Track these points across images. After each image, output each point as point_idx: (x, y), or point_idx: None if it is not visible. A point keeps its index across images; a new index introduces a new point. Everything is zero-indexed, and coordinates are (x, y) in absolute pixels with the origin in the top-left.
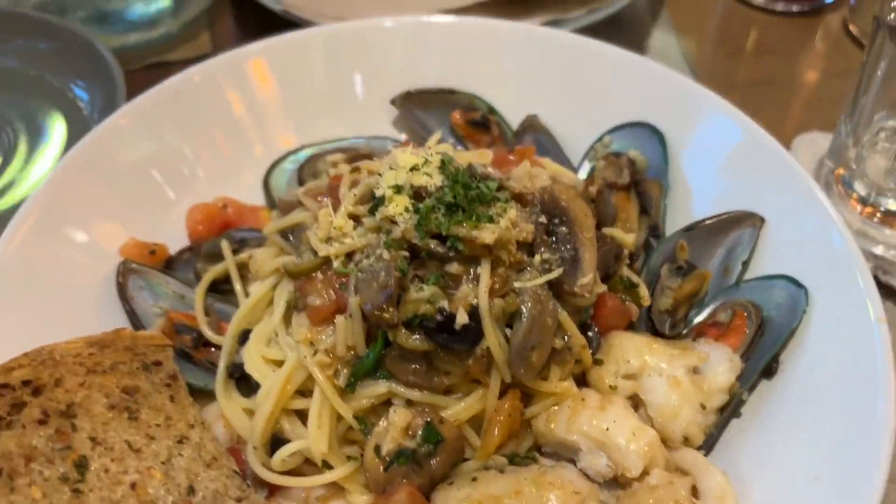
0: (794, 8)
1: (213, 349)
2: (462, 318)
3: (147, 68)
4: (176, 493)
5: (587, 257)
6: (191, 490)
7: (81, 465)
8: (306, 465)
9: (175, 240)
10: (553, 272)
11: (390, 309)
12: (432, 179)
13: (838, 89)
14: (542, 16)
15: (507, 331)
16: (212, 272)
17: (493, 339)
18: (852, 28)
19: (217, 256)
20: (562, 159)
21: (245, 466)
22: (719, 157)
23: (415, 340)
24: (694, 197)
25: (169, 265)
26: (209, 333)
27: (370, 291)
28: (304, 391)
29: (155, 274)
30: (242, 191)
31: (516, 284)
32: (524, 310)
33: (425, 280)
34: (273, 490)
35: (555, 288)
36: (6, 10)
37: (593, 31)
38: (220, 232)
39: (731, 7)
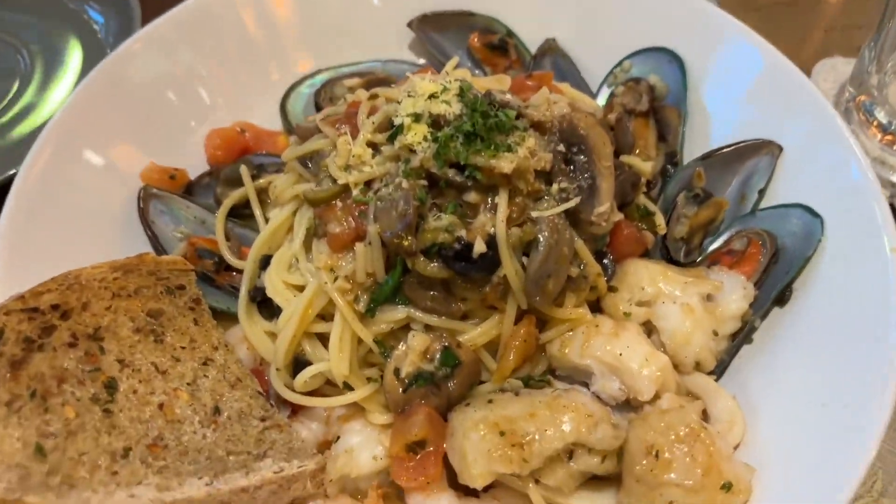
0: None
1: (234, 273)
2: (480, 247)
3: None
4: (202, 413)
5: (605, 186)
6: (216, 410)
7: (111, 387)
8: (327, 386)
9: (194, 165)
10: (570, 201)
11: (409, 237)
12: (451, 108)
13: (863, 13)
14: None
15: (524, 259)
16: (231, 197)
17: (509, 267)
18: None
19: (236, 181)
20: (580, 84)
21: (268, 387)
22: (739, 83)
23: (433, 268)
24: (712, 124)
25: (189, 190)
26: (230, 258)
27: (389, 219)
28: (325, 315)
29: (175, 199)
30: (260, 116)
31: (533, 213)
32: (541, 239)
33: (443, 209)
34: (295, 410)
35: (572, 217)
36: None
37: None
38: (239, 157)
39: None
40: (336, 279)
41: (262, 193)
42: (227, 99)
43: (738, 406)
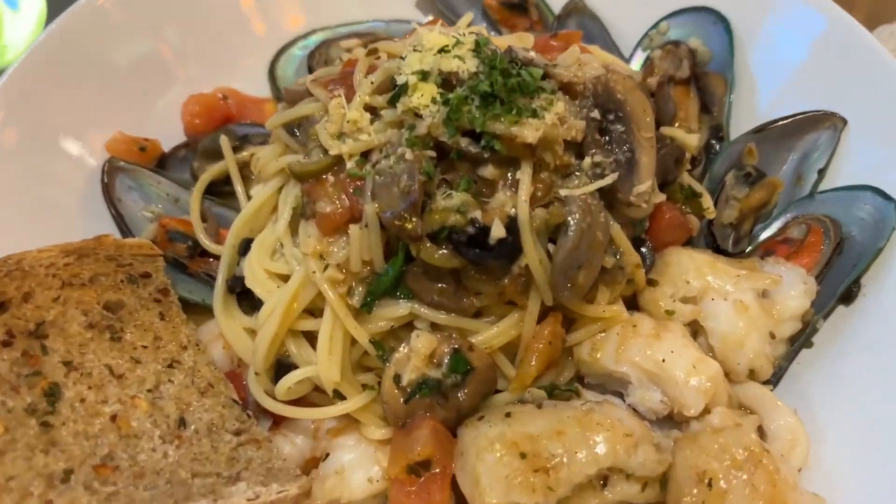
0: None
1: (211, 260)
2: (498, 231)
3: None
4: (164, 426)
5: (645, 161)
6: (181, 422)
7: (52, 395)
8: (315, 394)
9: (169, 136)
10: (606, 178)
11: (413, 218)
12: (465, 64)
13: None
14: None
15: (550, 246)
16: (210, 172)
17: (533, 255)
18: None
19: (216, 154)
20: (611, 49)
21: (246, 395)
22: (794, 47)
23: (441, 255)
24: (763, 94)
25: (162, 164)
26: (206, 242)
27: (390, 197)
28: (314, 311)
29: (145, 173)
30: (245, 81)
31: (562, 192)
32: (571, 222)
33: (454, 186)
34: (277, 421)
35: (607, 197)
36: None
37: None
38: (220, 126)
39: None
40: (326, 268)
41: (245, 168)
42: (209, 60)
43: (801, 422)
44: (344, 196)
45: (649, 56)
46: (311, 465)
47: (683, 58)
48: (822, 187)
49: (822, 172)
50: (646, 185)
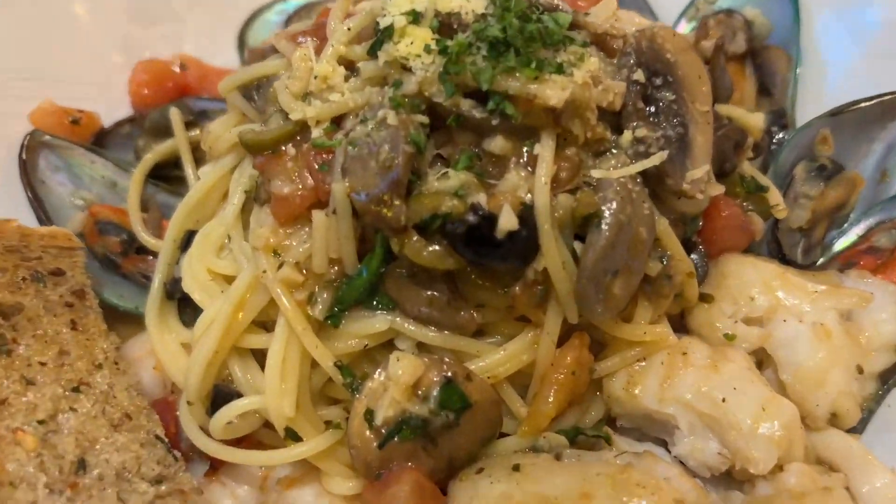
0: None
1: (150, 258)
2: (508, 222)
3: None
4: (55, 471)
5: (701, 140)
6: (81, 465)
7: None
8: (266, 432)
9: (112, 109)
10: (652, 157)
11: (396, 202)
12: (469, 3)
13: None
14: None
15: (577, 245)
16: (156, 152)
17: (553, 255)
18: None
19: (166, 131)
20: (648, 18)
21: (178, 429)
22: (872, 17)
23: (432, 253)
24: (834, 73)
25: (100, 141)
26: (144, 236)
27: (365, 174)
28: (267, 323)
29: (77, 151)
30: (210, 49)
31: (594, 174)
32: (605, 212)
33: (452, 163)
34: (216, 466)
35: (651, 183)
36: None
37: None
38: (175, 99)
39: None
40: (281, 265)
41: (200, 150)
42: (168, 22)
43: None
44: (307, 174)
45: (699, 24)
46: None
47: (738, 29)
48: None
49: None
50: (702, 169)
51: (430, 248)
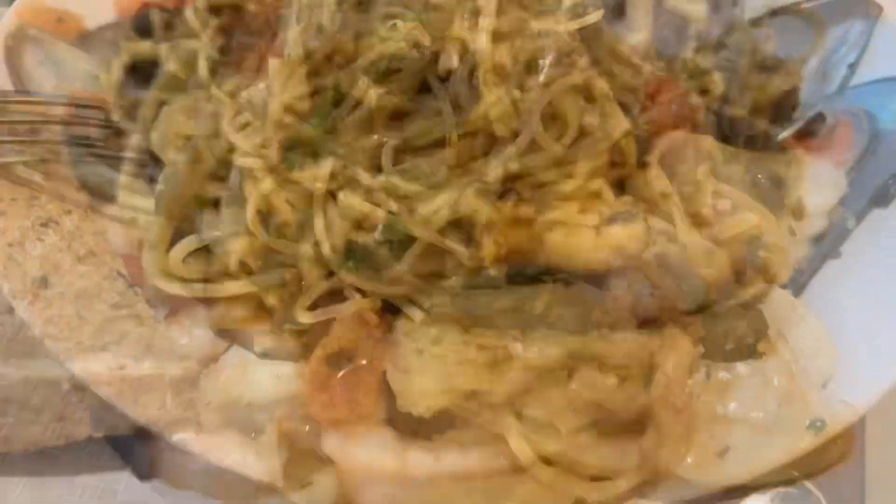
0: None
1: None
2: (449, 60)
3: None
4: (19, 280)
5: (641, 8)
6: (44, 281)
7: None
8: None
9: (96, 13)
10: (589, 16)
11: (346, 44)
12: None
13: None
14: None
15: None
16: (139, 45)
17: (492, 97)
18: None
19: (150, 36)
20: None
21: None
22: None
23: (379, 92)
24: None
25: (84, 46)
26: (122, 119)
27: (318, 18)
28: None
29: (61, 45)
30: None
31: (534, 25)
32: (544, 61)
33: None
34: (175, 309)
35: (591, 49)
36: None
37: None
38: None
39: None
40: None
41: None
42: None
43: (826, 328)
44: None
45: None
46: (211, 363)
47: None
48: (852, 83)
49: (852, 67)
50: (642, 33)
51: (378, 89)
